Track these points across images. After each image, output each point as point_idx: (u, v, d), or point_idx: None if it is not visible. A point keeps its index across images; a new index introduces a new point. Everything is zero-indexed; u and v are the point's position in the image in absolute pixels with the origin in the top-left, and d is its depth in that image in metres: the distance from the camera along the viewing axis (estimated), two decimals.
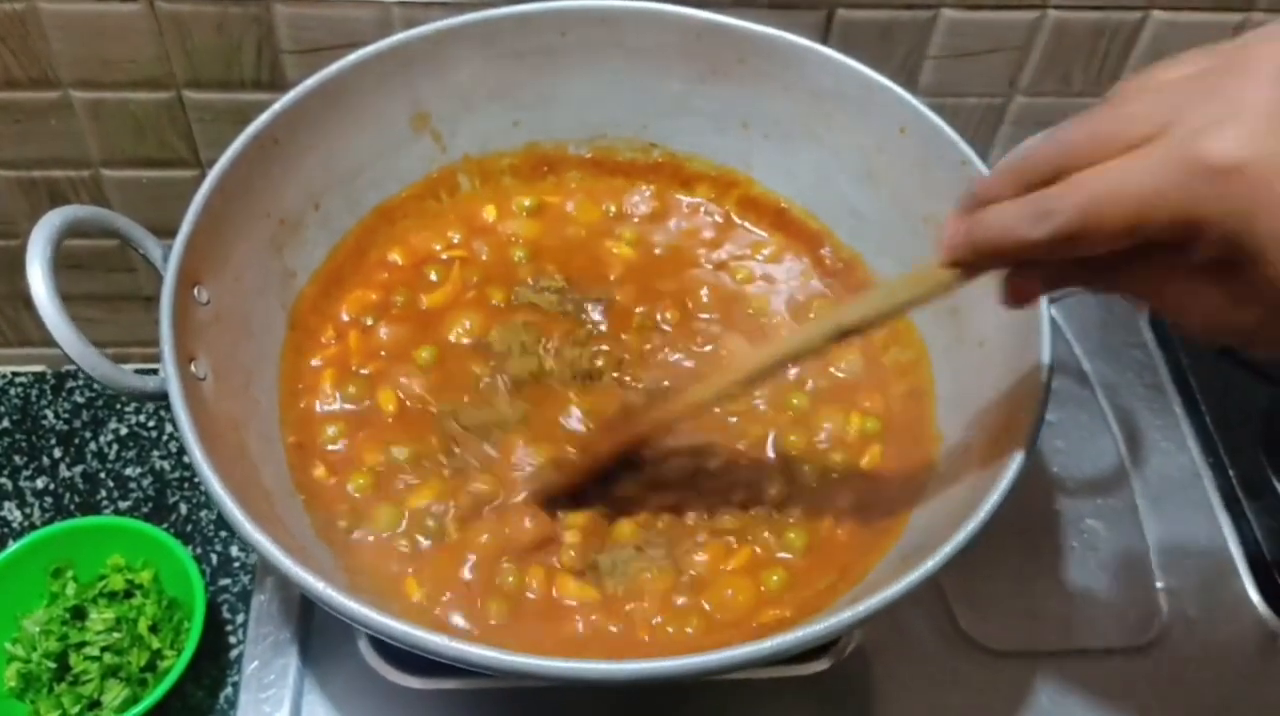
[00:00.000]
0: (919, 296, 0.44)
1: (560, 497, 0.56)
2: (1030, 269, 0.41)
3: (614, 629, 0.52)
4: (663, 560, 0.54)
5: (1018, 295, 0.42)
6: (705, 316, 0.65)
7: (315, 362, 0.60)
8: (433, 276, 0.65)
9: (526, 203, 0.69)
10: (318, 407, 0.59)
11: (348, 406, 0.59)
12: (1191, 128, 0.33)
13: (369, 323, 0.62)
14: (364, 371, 0.61)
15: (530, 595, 0.53)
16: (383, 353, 0.61)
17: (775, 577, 0.54)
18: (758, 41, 0.63)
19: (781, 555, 0.55)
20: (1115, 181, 0.35)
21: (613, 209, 0.69)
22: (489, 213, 0.68)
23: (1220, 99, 0.33)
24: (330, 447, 0.57)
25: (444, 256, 0.66)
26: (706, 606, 0.53)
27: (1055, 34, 0.72)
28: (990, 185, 0.39)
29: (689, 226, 0.69)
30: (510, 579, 0.53)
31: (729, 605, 0.53)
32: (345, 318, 0.63)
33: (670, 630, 0.52)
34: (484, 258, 0.66)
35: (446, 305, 0.64)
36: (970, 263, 0.40)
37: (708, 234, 0.69)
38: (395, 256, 0.65)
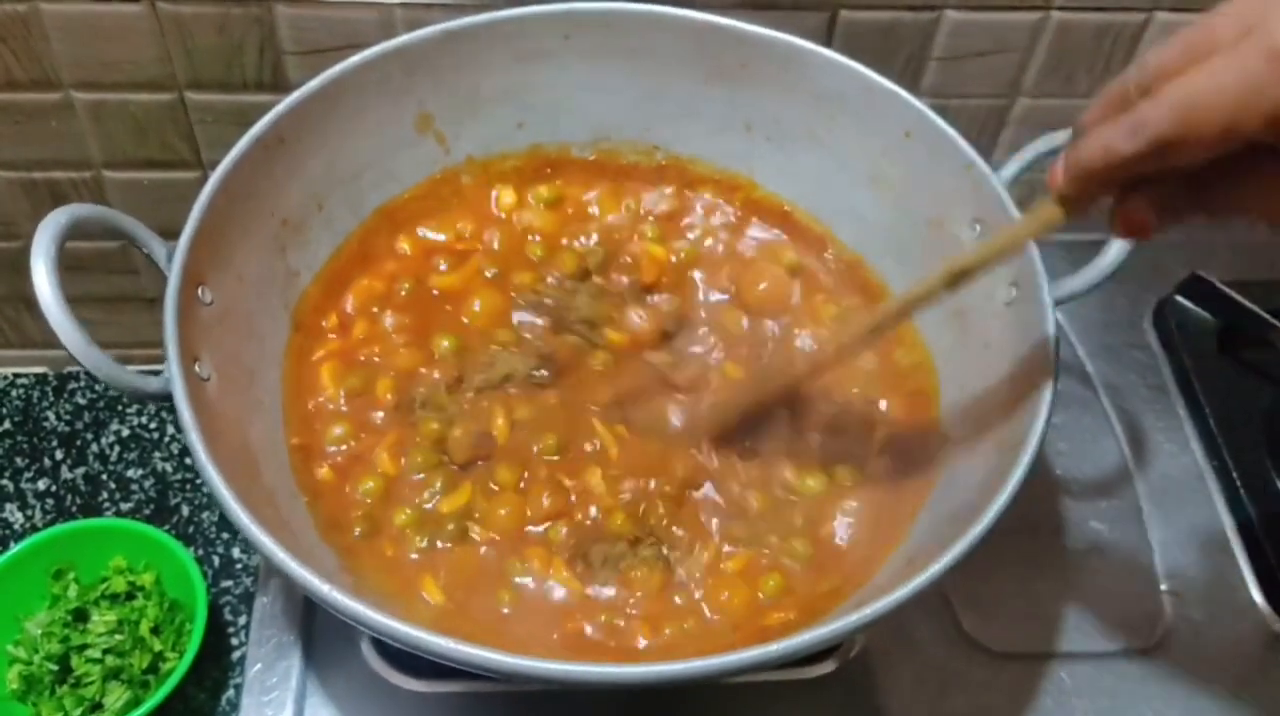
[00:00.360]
0: (1031, 232, 0.45)
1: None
2: (1137, 195, 0.40)
3: (615, 626, 0.52)
4: (653, 559, 0.54)
5: (1129, 224, 0.41)
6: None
7: (316, 356, 0.60)
8: (442, 266, 0.65)
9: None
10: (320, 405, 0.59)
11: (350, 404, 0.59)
12: (1276, 22, 0.33)
13: (374, 311, 0.62)
14: (376, 358, 0.61)
15: (529, 580, 0.54)
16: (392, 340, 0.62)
17: (772, 582, 0.54)
18: (760, 44, 0.63)
19: (786, 561, 0.55)
20: (1205, 83, 0.34)
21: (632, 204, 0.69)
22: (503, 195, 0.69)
23: None
24: (335, 448, 0.57)
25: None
26: (705, 608, 0.53)
27: (1059, 35, 0.72)
28: (1090, 115, 0.39)
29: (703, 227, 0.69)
30: (518, 565, 0.54)
31: (725, 607, 0.53)
32: (350, 309, 0.63)
33: (668, 631, 0.52)
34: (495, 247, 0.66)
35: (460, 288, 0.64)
36: (1077, 193, 0.40)
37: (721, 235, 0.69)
38: (404, 246, 0.66)
